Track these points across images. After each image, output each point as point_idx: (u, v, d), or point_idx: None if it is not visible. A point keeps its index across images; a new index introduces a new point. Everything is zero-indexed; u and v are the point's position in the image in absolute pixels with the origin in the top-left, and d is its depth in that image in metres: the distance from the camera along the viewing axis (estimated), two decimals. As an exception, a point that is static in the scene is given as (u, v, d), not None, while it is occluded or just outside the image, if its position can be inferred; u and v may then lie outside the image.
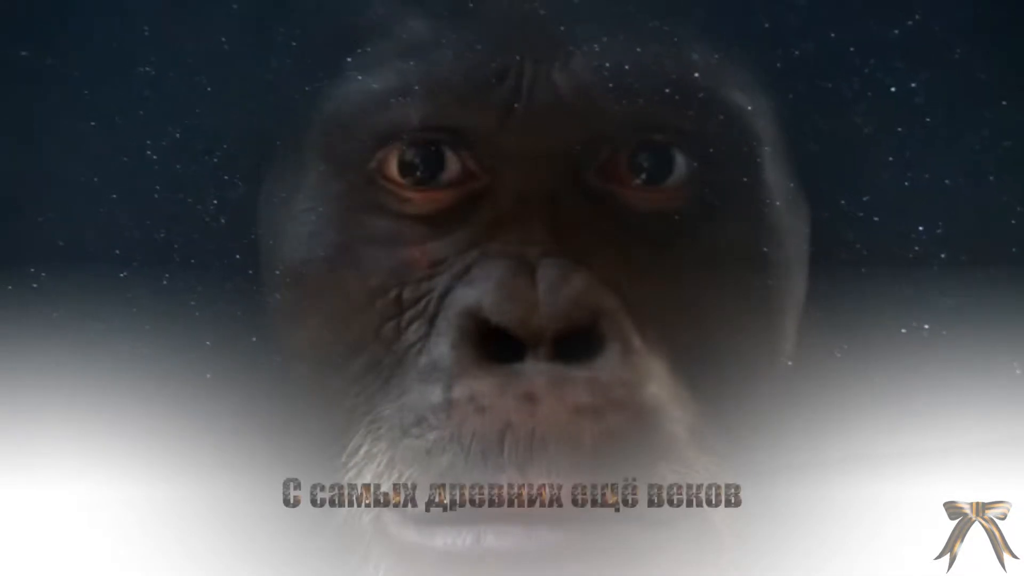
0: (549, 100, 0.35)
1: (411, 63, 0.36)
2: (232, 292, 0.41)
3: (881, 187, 0.39)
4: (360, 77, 0.37)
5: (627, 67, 0.35)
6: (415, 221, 0.38)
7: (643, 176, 0.38)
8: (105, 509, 0.39)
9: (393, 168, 0.38)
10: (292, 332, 0.40)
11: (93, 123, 0.39)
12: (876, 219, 0.39)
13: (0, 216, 0.40)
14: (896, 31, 0.38)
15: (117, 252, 0.40)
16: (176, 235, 0.41)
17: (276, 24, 0.37)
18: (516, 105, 0.35)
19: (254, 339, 0.40)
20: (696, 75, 0.36)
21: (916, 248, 0.39)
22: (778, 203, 0.40)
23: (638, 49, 0.36)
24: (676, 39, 0.37)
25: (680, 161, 0.38)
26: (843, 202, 0.40)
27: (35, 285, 0.40)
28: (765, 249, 0.39)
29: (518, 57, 0.36)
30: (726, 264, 0.38)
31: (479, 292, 0.34)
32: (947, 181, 0.40)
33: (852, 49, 0.38)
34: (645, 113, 0.36)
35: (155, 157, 0.39)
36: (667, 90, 0.35)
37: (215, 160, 0.40)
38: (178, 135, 0.40)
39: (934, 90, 0.39)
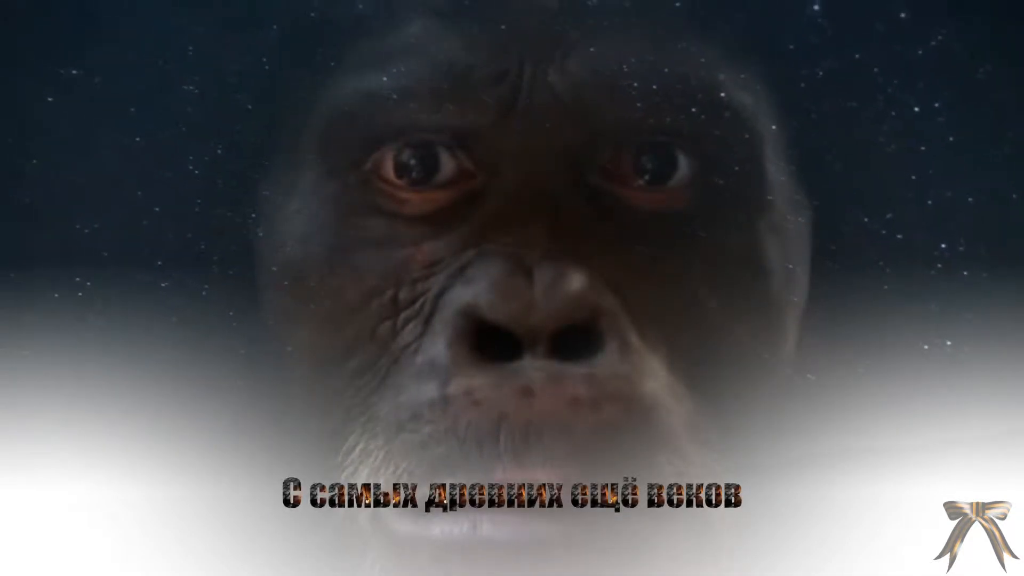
0: (548, 100, 0.36)
1: (407, 63, 0.37)
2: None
3: (904, 205, 0.40)
4: (356, 77, 0.38)
5: (629, 69, 0.36)
6: (411, 222, 0.38)
7: (646, 177, 0.38)
8: (105, 508, 0.39)
9: (389, 169, 0.38)
10: (288, 332, 0.40)
11: (138, 139, 0.40)
12: (899, 236, 0.40)
13: (49, 226, 0.41)
14: (919, 52, 0.39)
15: (159, 263, 0.41)
16: (216, 247, 0.42)
17: (316, 46, 0.38)
18: (515, 105, 0.36)
19: (289, 348, 0.41)
20: (700, 77, 0.37)
21: (939, 265, 0.39)
22: (780, 204, 0.40)
23: (642, 51, 0.36)
24: (682, 43, 0.37)
25: (683, 162, 0.38)
26: (866, 219, 0.40)
27: (80, 293, 0.41)
28: (767, 250, 0.39)
29: (517, 57, 0.36)
30: (727, 265, 0.38)
31: (475, 290, 0.34)
32: (970, 199, 0.40)
33: (876, 70, 0.39)
34: (648, 115, 0.36)
35: (197, 172, 0.40)
36: (670, 93, 0.36)
37: (256, 176, 0.41)
38: (219, 151, 0.41)
39: (956, 109, 0.39)
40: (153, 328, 0.41)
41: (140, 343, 0.41)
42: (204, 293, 0.41)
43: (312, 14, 0.38)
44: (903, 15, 0.39)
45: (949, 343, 0.40)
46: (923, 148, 0.39)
